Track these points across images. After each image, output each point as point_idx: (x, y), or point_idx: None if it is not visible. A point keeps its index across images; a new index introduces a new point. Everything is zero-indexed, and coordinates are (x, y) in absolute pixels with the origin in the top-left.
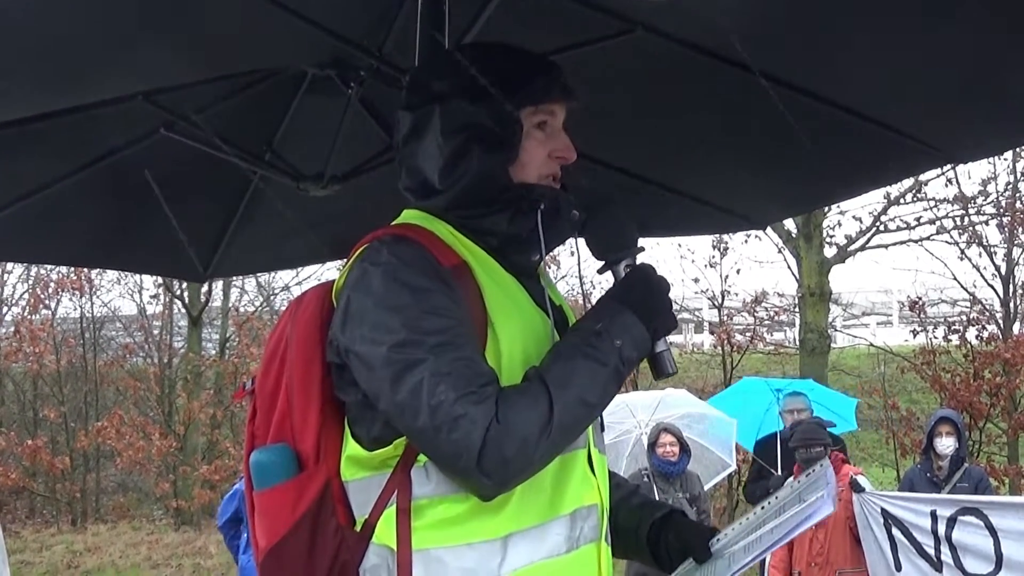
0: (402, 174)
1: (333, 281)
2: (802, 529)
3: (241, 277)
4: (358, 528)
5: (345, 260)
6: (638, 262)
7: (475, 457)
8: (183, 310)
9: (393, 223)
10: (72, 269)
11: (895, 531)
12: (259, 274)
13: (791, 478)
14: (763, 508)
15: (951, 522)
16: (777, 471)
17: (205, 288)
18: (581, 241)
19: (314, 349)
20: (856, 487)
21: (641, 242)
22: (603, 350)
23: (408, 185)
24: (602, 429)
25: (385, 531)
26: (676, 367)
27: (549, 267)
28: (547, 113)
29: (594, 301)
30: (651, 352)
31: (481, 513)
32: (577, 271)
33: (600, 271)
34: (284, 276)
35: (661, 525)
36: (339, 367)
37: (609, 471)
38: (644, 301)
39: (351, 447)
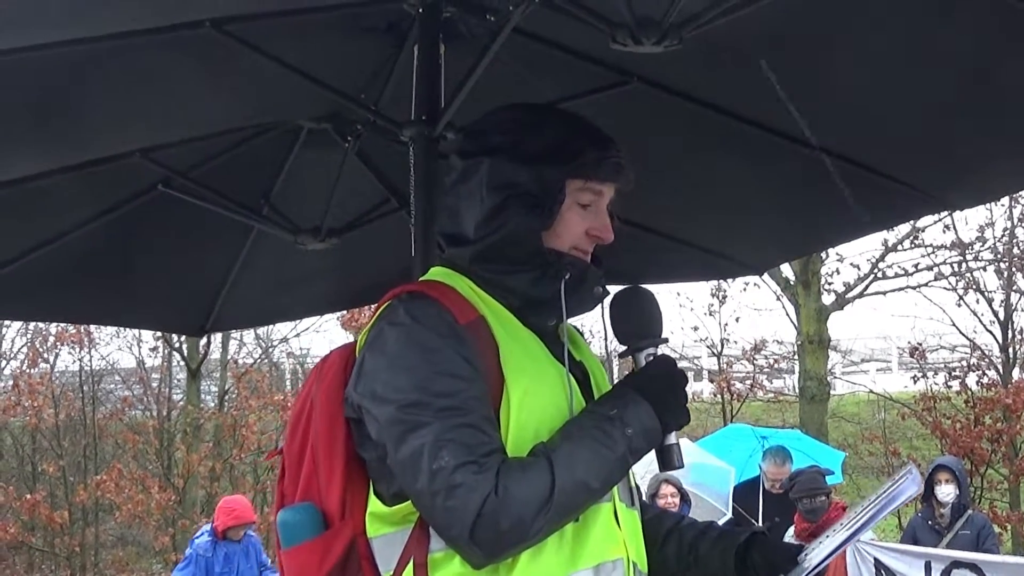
0: (441, 217)
1: (357, 341)
2: (891, 509)
3: (240, 330)
4: None
5: (373, 310)
6: (659, 352)
7: (468, 527)
8: (182, 363)
9: (419, 280)
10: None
11: None
12: (257, 327)
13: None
14: (851, 516)
15: (945, 574)
16: (758, 520)
17: (204, 341)
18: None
19: (337, 408)
20: None
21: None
22: (614, 436)
23: (443, 230)
24: (633, 488)
25: None
26: (683, 461)
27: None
28: (594, 192)
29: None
30: (660, 445)
31: (498, 567)
32: (604, 339)
33: (622, 355)
34: (282, 328)
35: (746, 548)
36: (357, 423)
37: (678, 515)
38: (661, 394)
39: (373, 504)
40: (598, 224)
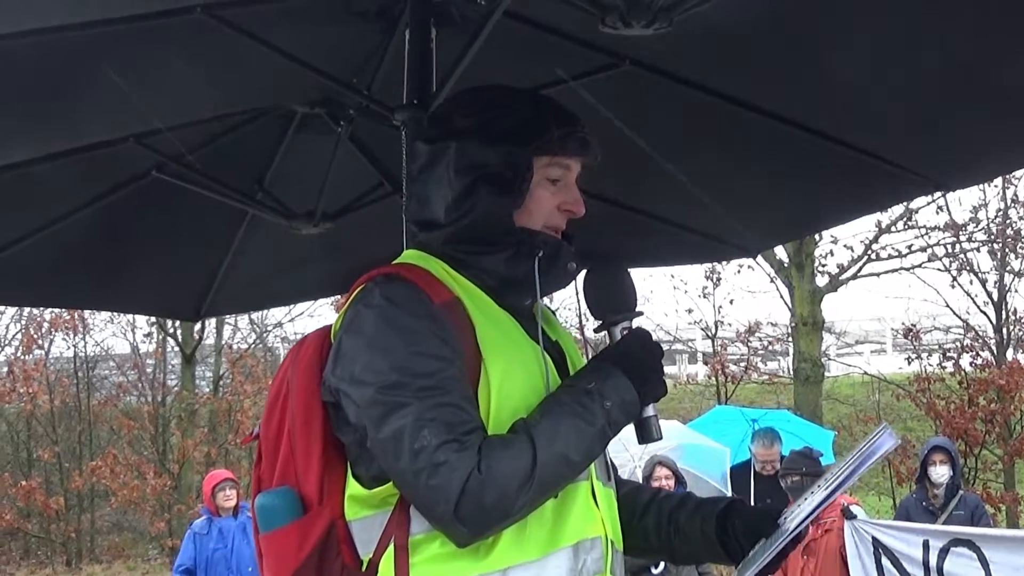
0: (411, 204)
1: (332, 325)
2: (869, 464)
3: (234, 315)
4: (363, 568)
5: (344, 297)
6: (635, 326)
7: (453, 505)
8: (176, 348)
9: (392, 263)
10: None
11: (884, 561)
12: (252, 311)
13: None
14: (827, 477)
15: (943, 552)
16: (750, 501)
17: (198, 326)
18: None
19: (314, 392)
20: (848, 514)
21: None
22: (592, 410)
23: (414, 216)
24: (609, 464)
25: (387, 569)
26: (661, 434)
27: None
28: (562, 167)
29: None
30: (639, 417)
31: (479, 547)
32: (578, 315)
33: (596, 330)
34: (277, 313)
35: (726, 515)
36: (334, 406)
37: (655, 488)
38: (638, 366)
39: (352, 487)
40: (569, 198)
